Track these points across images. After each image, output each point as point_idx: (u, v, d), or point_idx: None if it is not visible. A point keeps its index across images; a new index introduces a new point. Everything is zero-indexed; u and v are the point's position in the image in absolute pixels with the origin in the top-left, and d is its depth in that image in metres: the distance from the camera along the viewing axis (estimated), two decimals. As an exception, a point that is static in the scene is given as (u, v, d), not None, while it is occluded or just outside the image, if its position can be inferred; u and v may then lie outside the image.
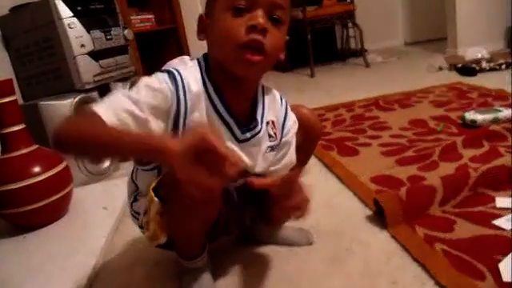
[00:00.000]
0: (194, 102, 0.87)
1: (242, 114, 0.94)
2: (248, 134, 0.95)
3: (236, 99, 0.92)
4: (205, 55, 0.95)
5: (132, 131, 0.78)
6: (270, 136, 1.00)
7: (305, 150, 1.13)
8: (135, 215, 1.08)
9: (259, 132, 0.96)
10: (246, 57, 0.83)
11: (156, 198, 0.91)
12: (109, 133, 0.76)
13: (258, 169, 0.99)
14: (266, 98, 1.00)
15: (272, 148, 1.01)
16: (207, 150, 0.65)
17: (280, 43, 0.88)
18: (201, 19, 0.92)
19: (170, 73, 0.87)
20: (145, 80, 0.86)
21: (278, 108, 1.03)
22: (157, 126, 0.83)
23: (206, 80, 0.90)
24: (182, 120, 0.86)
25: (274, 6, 0.84)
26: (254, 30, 0.82)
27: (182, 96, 0.86)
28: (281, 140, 1.03)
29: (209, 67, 0.92)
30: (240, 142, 0.94)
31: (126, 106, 0.80)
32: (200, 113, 0.88)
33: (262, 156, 0.99)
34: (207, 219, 0.96)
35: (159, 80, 0.86)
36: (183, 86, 0.86)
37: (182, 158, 0.66)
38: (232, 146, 0.92)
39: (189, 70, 0.90)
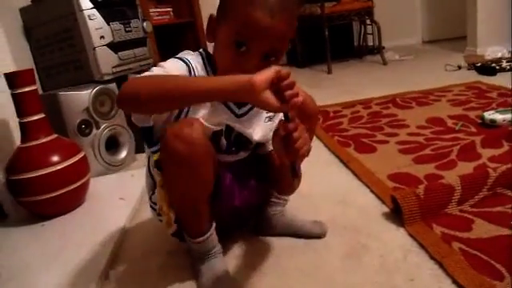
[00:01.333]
0: None
1: None
2: (245, 108, 1.07)
3: None
4: (204, 49, 1.07)
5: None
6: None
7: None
8: (153, 206, 1.13)
9: (250, 111, 1.08)
10: None
11: (157, 170, 1.01)
12: (190, 80, 0.90)
13: (257, 137, 1.11)
14: None
15: (270, 118, 1.13)
16: (280, 79, 0.80)
17: None
18: (210, 20, 1.00)
19: (179, 58, 1.00)
20: (163, 63, 0.97)
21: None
22: None
23: (207, 66, 1.02)
24: None
25: (271, 50, 0.93)
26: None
27: (192, 75, 0.98)
28: None
29: (210, 57, 1.03)
30: (238, 116, 1.06)
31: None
32: None
33: (261, 126, 1.12)
34: (201, 181, 0.98)
35: (174, 61, 0.99)
36: (192, 68, 0.99)
37: (263, 87, 0.78)
38: (231, 121, 1.06)
39: (193, 57, 1.02)
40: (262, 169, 1.19)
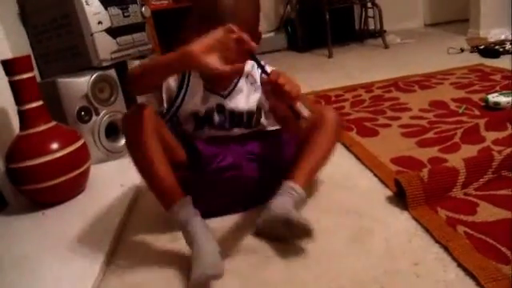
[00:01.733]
0: (193, 75, 1.25)
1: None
2: (230, 88, 1.28)
3: None
4: None
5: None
6: (251, 83, 1.31)
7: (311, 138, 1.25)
8: None
9: (237, 83, 1.28)
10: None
11: None
12: (156, 60, 1.11)
13: (245, 107, 1.29)
14: None
15: (255, 89, 1.31)
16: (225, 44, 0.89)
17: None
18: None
19: None
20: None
21: (249, 62, 1.25)
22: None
23: None
24: (186, 81, 1.25)
25: None
26: None
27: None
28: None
29: None
30: (225, 97, 1.27)
31: None
32: (198, 82, 1.25)
33: (248, 98, 1.30)
34: (149, 150, 1.11)
35: None
36: None
37: (200, 53, 0.88)
38: (220, 100, 1.26)
39: None
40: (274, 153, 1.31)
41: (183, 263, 1.09)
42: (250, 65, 1.29)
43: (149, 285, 1.05)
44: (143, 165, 1.14)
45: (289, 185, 1.17)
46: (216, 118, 1.27)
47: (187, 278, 1.03)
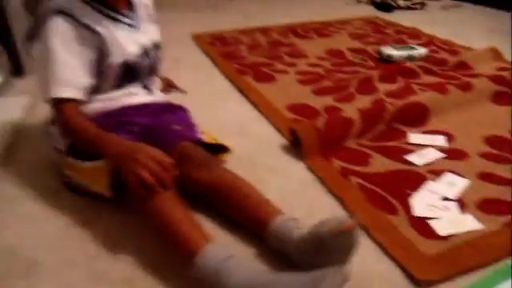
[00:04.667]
0: (94, 20, 0.99)
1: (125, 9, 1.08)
2: (135, 20, 1.08)
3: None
4: None
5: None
6: (148, 15, 1.14)
7: None
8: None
9: (138, 16, 1.10)
10: None
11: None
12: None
13: (158, 38, 1.16)
14: None
15: (155, 22, 1.17)
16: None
17: None
18: None
19: (59, 13, 0.95)
20: (50, 41, 0.94)
21: None
22: (90, 54, 0.98)
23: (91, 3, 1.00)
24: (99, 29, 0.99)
25: None
26: None
27: (80, 22, 0.97)
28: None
29: None
30: (133, 26, 1.07)
31: (67, 75, 0.95)
32: (102, 24, 1.00)
33: (149, 29, 1.13)
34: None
35: (57, 29, 0.95)
36: (76, 17, 0.96)
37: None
38: (129, 32, 1.05)
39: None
40: None
41: (67, 217, 0.97)
42: None
43: (28, 244, 0.91)
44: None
45: (282, 218, 0.85)
46: (145, 60, 1.09)
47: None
